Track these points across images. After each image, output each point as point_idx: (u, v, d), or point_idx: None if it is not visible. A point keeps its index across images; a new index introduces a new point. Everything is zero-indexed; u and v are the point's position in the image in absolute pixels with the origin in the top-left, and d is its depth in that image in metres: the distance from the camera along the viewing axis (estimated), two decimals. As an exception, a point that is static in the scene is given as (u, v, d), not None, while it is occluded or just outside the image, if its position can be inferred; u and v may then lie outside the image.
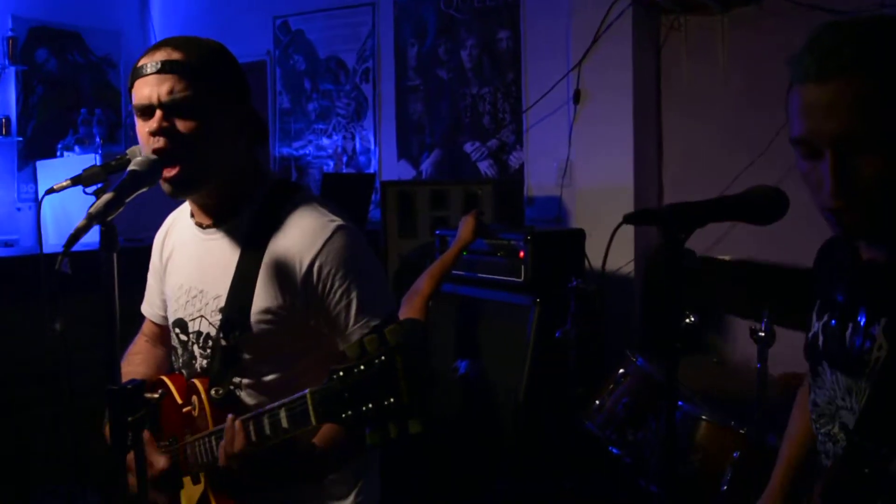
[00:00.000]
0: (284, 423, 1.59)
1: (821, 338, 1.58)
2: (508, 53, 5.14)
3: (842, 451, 1.50)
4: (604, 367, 3.64)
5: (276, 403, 1.61)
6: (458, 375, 3.88)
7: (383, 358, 1.39)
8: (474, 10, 5.26)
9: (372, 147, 5.80)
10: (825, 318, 1.57)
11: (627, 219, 1.41)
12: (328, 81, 6.01)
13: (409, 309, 3.23)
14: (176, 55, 1.77)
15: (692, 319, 3.49)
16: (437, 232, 4.05)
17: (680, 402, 2.90)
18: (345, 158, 5.93)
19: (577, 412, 3.34)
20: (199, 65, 1.79)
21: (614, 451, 3.08)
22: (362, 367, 1.41)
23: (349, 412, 1.42)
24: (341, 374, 1.43)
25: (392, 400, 1.38)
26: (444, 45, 5.40)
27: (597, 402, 3.25)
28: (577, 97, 4.67)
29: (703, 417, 2.88)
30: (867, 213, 1.36)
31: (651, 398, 3.06)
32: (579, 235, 4.00)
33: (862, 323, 1.46)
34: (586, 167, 4.67)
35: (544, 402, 3.64)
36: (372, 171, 5.75)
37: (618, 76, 4.53)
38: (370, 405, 1.39)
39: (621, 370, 3.26)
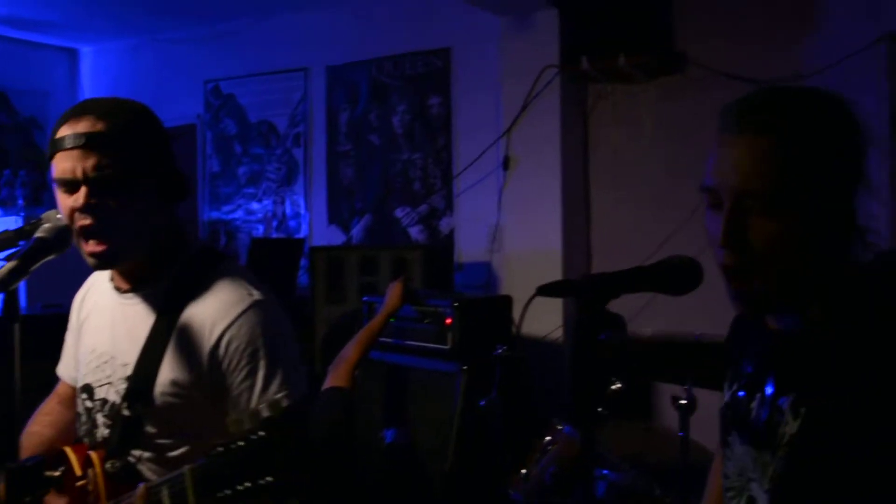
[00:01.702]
0: (166, 502, 1.50)
1: (730, 407, 1.57)
2: (439, 119, 5.17)
3: None
4: (533, 435, 3.60)
5: (159, 480, 1.54)
6: (386, 444, 3.80)
7: (262, 433, 1.33)
8: (405, 77, 5.29)
9: (302, 211, 5.76)
10: (734, 387, 1.56)
11: (541, 290, 1.39)
12: (259, 145, 5.98)
13: (335, 377, 3.17)
14: (100, 125, 1.71)
15: (618, 385, 3.47)
16: (365, 298, 4.00)
17: (605, 472, 2.87)
18: (275, 223, 5.88)
19: (504, 482, 3.29)
20: (125, 135, 1.74)
21: (540, 520, 3.02)
22: (241, 444, 1.34)
23: (227, 491, 1.35)
24: (220, 449, 1.36)
25: (269, 479, 1.31)
26: (376, 110, 5.42)
27: (523, 471, 3.19)
28: (506, 163, 4.69)
29: (628, 487, 2.84)
30: (756, 282, 1.36)
31: (577, 467, 3.01)
32: (506, 302, 3.99)
33: (769, 395, 1.44)
34: (516, 233, 4.68)
35: (472, 472, 3.58)
36: (302, 235, 5.70)
37: (546, 143, 4.57)
38: (247, 484, 1.32)
39: (548, 438, 3.22)
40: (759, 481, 1.45)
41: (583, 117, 4.76)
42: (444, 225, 5.16)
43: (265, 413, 1.34)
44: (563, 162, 4.55)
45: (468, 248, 5.03)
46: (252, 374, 1.78)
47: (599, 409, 3.56)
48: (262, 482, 1.31)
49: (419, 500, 3.70)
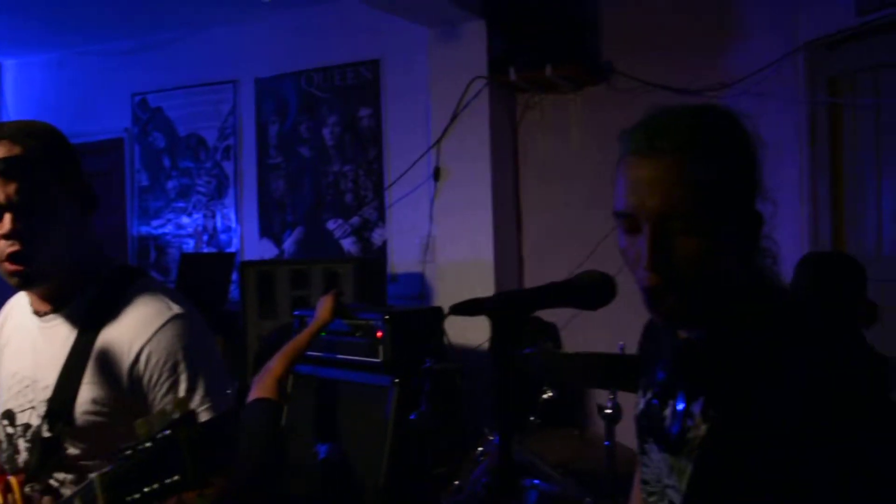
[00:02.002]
0: None
1: (645, 415, 1.59)
2: (370, 131, 5.17)
3: None
4: (465, 446, 3.61)
5: (71, 493, 1.51)
6: (319, 460, 3.78)
7: (167, 432, 1.31)
8: (335, 89, 5.27)
9: (233, 225, 5.70)
10: (648, 395, 1.58)
11: (453, 310, 1.40)
12: (188, 159, 5.90)
13: (260, 388, 3.16)
14: (17, 149, 1.71)
15: (551, 394, 3.50)
16: (296, 312, 3.98)
17: (536, 481, 2.88)
18: (205, 237, 5.80)
19: (437, 494, 3.29)
20: (42, 156, 1.74)
21: (473, 532, 3.02)
22: (148, 444, 1.32)
23: (135, 495, 1.33)
24: (128, 452, 1.35)
25: (176, 478, 1.30)
26: (306, 122, 5.39)
27: (456, 482, 3.20)
28: (437, 174, 4.71)
29: (559, 496, 2.86)
30: (681, 297, 1.38)
31: (502, 479, 3.02)
32: (438, 313, 4.00)
33: (680, 402, 1.47)
34: (448, 243, 4.70)
35: (406, 485, 3.57)
36: (234, 249, 5.64)
37: (476, 153, 4.60)
38: (155, 485, 1.31)
39: (480, 449, 3.23)
40: (677, 486, 1.48)
41: (512, 127, 4.80)
42: (376, 236, 5.15)
43: (174, 413, 1.32)
44: (492, 172, 4.58)
45: (401, 260, 5.03)
46: (173, 388, 1.76)
47: (532, 419, 3.59)
48: (168, 482, 1.30)
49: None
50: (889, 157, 3.67)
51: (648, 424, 1.57)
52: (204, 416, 1.77)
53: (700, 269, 1.36)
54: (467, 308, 1.39)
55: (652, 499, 1.59)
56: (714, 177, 1.35)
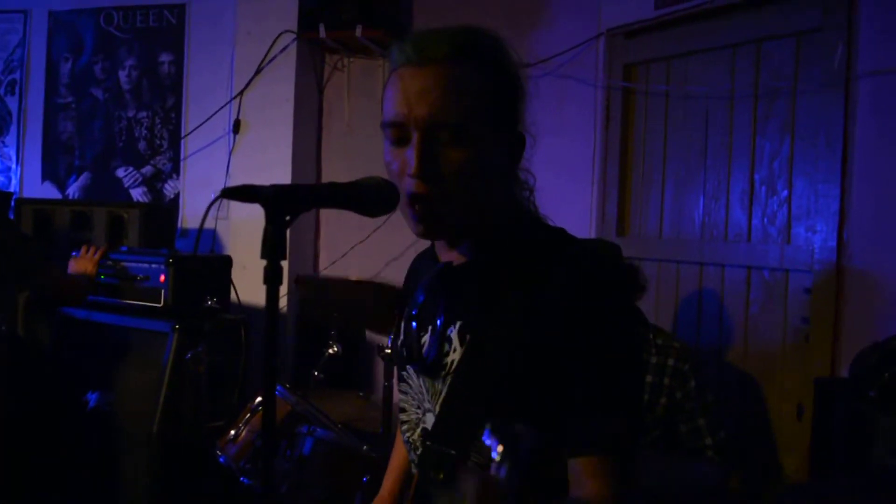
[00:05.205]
0: None
1: (405, 341, 1.58)
2: (170, 78, 4.95)
3: (418, 458, 1.50)
4: (246, 398, 3.53)
5: None
6: (88, 408, 3.59)
7: None
8: (136, 30, 5.01)
9: (13, 166, 5.31)
10: (409, 321, 1.58)
11: (226, 193, 1.33)
12: (-33, 91, 5.46)
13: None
14: None
15: (336, 349, 3.47)
16: (74, 253, 3.75)
17: (313, 427, 2.84)
18: (-20, 176, 5.39)
19: (212, 443, 3.19)
20: None
21: (245, 481, 2.95)
22: None
23: None
24: None
25: None
26: (102, 63, 5.09)
27: (232, 432, 3.11)
28: (236, 127, 4.57)
29: (336, 442, 2.83)
30: (445, 207, 1.38)
31: (285, 426, 2.97)
32: (226, 262, 3.88)
33: (439, 325, 1.47)
34: (243, 199, 4.55)
35: (180, 433, 3.45)
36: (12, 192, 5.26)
37: (279, 109, 4.50)
38: None
39: (258, 399, 3.15)
40: (434, 410, 1.48)
41: (318, 86, 4.73)
42: (168, 188, 4.93)
43: None
44: (294, 130, 4.49)
45: (193, 214, 4.85)
46: None
47: (315, 373, 3.55)
48: None
49: (122, 464, 3.52)
50: (675, 144, 3.87)
51: (408, 349, 1.56)
52: None
53: (465, 180, 1.37)
54: (242, 193, 1.34)
55: (406, 426, 1.59)
56: (481, 90, 1.37)
